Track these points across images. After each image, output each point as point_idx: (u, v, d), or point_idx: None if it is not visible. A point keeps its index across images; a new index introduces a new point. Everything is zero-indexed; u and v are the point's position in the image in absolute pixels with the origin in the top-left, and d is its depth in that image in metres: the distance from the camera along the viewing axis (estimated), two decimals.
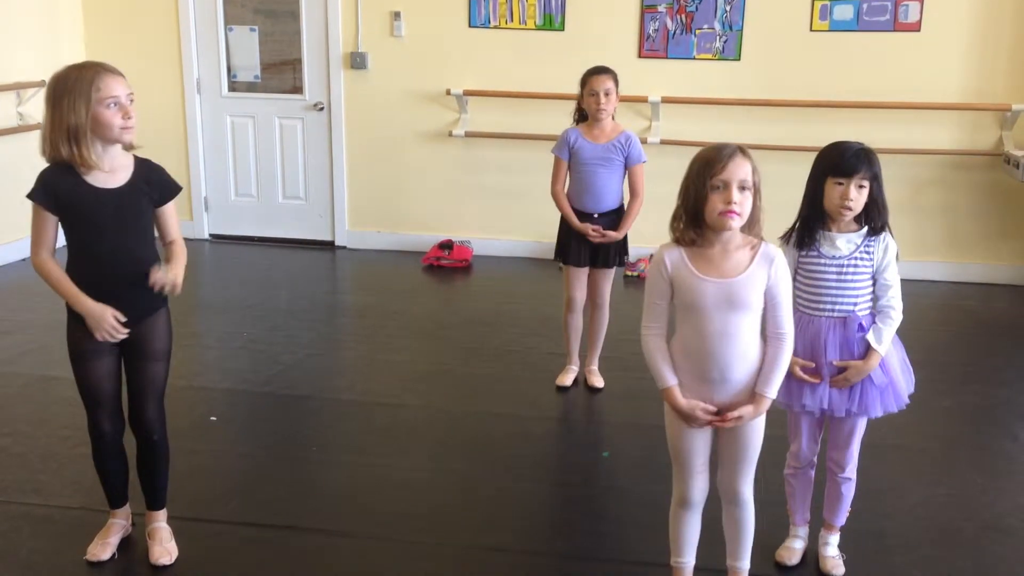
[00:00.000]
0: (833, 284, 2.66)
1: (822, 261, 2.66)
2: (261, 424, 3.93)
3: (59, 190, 2.62)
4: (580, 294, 4.15)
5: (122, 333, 2.67)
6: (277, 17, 6.73)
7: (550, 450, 3.71)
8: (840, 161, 2.61)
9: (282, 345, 4.77)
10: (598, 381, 4.27)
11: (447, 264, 6.07)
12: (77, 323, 2.71)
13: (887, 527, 3.12)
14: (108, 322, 2.65)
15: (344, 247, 6.73)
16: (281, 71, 6.82)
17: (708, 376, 2.40)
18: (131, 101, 2.62)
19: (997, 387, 4.33)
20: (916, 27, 5.93)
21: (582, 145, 4.02)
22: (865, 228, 2.67)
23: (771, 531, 2.95)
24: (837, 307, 2.66)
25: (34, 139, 6.91)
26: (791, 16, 6.04)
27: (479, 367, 4.51)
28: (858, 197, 2.61)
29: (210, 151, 6.94)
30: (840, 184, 2.60)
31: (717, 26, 6.12)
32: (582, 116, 4.08)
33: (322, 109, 6.73)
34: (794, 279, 2.67)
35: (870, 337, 2.64)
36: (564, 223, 4.12)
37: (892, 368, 2.71)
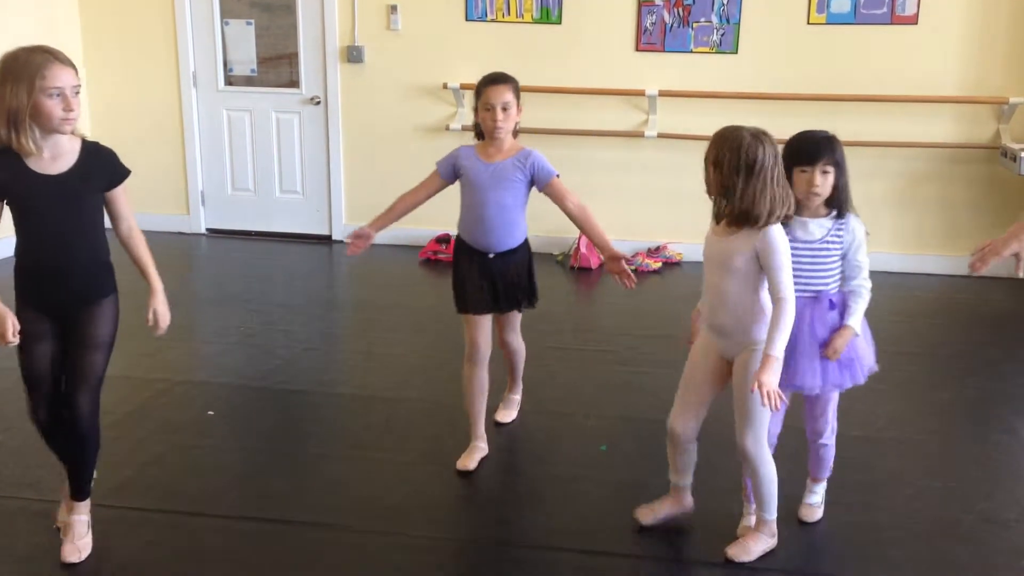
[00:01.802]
0: (807, 266, 2.81)
1: (797, 245, 2.80)
2: (259, 419, 3.92)
3: (1, 174, 2.60)
4: (485, 342, 3.40)
5: (10, 342, 2.62)
6: (273, 11, 6.72)
7: (548, 443, 3.71)
8: (804, 149, 2.80)
9: (279, 339, 4.76)
10: (507, 415, 3.75)
11: (444, 258, 6.06)
12: (21, 304, 2.70)
13: (884, 519, 3.12)
14: (4, 327, 2.61)
15: (341, 241, 6.71)
16: (277, 65, 6.81)
17: (711, 323, 2.80)
18: (76, 93, 2.59)
19: (994, 380, 4.34)
20: (913, 20, 5.92)
21: (473, 166, 3.29)
22: (834, 212, 2.83)
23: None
24: (810, 286, 2.82)
25: None
26: (788, 9, 6.03)
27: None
28: (824, 183, 2.78)
29: (206, 145, 6.92)
30: (805, 172, 2.78)
31: (714, 19, 6.11)
32: (479, 133, 3.37)
33: (319, 103, 6.72)
34: None
35: (849, 319, 2.81)
36: (457, 261, 3.43)
37: (857, 344, 2.86)
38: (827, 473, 3.10)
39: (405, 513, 3.16)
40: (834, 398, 2.97)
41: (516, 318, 3.54)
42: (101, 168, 2.72)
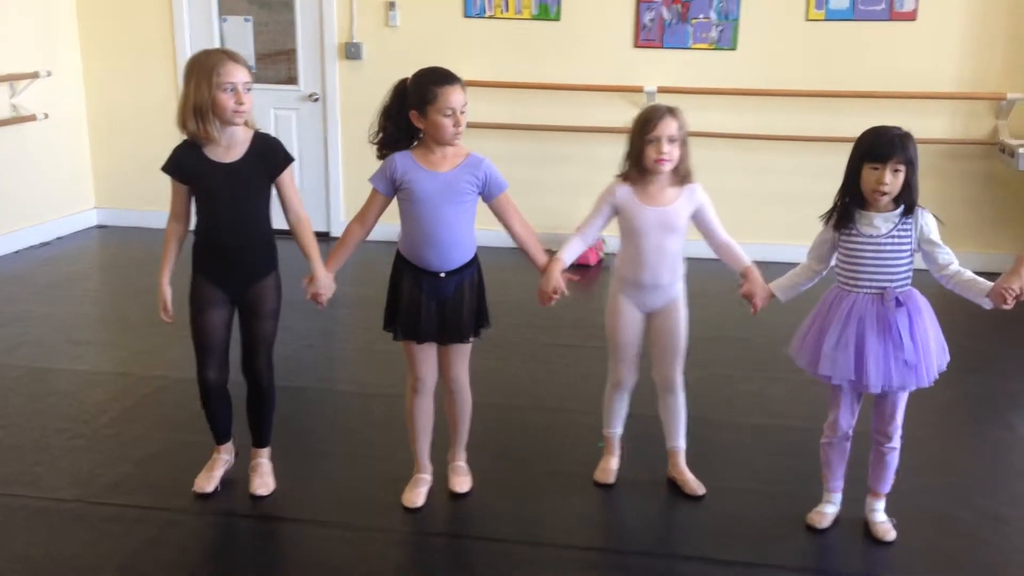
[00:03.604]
0: (870, 262, 2.78)
1: (860, 240, 2.78)
2: None
3: (184, 163, 2.98)
4: (429, 372, 3.13)
5: (167, 319, 3.08)
6: (271, 7, 6.70)
7: (547, 440, 3.71)
8: (876, 147, 2.74)
9: (279, 336, 4.74)
10: (462, 483, 3.26)
11: None
12: (198, 275, 3.05)
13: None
14: (161, 305, 3.08)
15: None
16: (276, 62, 6.80)
17: (643, 282, 3.08)
18: (248, 89, 2.92)
19: (995, 377, 4.34)
20: (912, 16, 5.92)
21: (417, 177, 2.90)
22: (901, 207, 2.77)
23: (775, 520, 2.96)
24: (875, 282, 2.78)
25: (28, 130, 6.90)
26: (787, 5, 6.02)
27: (477, 358, 4.49)
28: (893, 181, 2.72)
29: None
30: (876, 169, 2.72)
31: (713, 15, 6.10)
32: (405, 133, 2.94)
33: (317, 100, 6.71)
34: (836, 258, 2.89)
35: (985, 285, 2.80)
36: (395, 281, 3.06)
37: (928, 348, 2.82)
38: (888, 487, 3.02)
39: (401, 510, 3.15)
40: (903, 400, 2.91)
41: (465, 352, 3.14)
42: (267, 157, 3.02)
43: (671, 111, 3.01)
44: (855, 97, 5.96)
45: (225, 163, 2.96)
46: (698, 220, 3.08)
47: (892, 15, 5.93)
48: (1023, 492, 3.33)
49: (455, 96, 2.84)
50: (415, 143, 2.96)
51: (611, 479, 3.32)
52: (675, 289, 3.14)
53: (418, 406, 3.17)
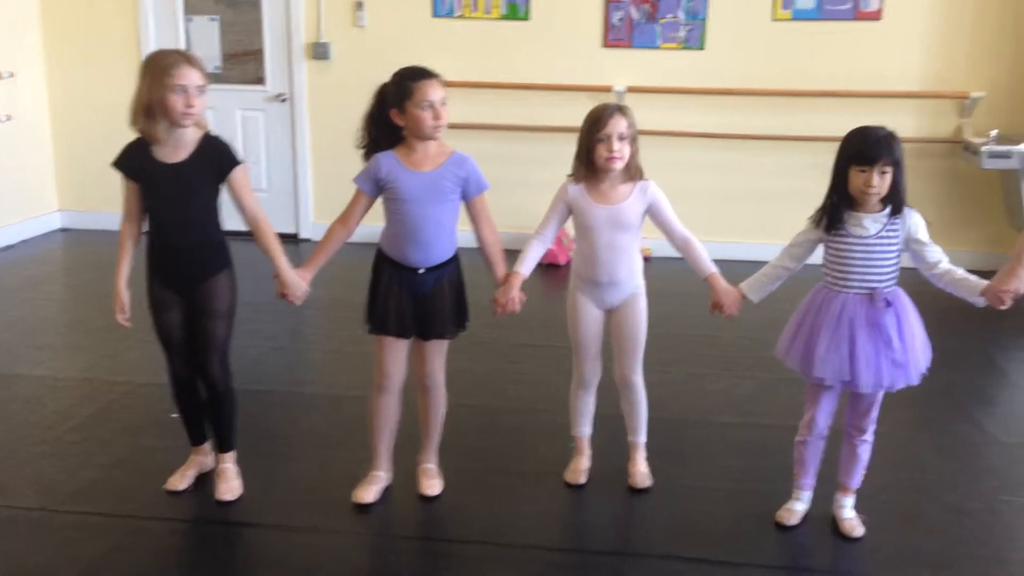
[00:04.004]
0: (860, 262, 2.79)
1: (849, 240, 2.79)
2: None
3: (132, 160, 2.97)
4: (397, 371, 3.12)
5: (124, 322, 3.06)
6: (238, 6, 6.65)
7: (518, 440, 3.70)
8: (862, 149, 2.74)
9: (247, 339, 4.71)
10: (432, 486, 3.23)
11: None
12: (151, 277, 3.05)
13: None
14: (118, 307, 3.06)
15: (309, 240, 6.67)
16: (243, 62, 6.74)
17: (599, 280, 3.10)
18: (200, 92, 2.89)
19: (958, 371, 4.38)
20: (877, 15, 5.98)
21: (400, 176, 2.93)
22: (888, 208, 2.78)
23: (744, 518, 2.97)
24: (865, 283, 2.79)
25: None
26: (754, 5, 6.06)
27: (447, 359, 4.48)
28: (881, 183, 2.73)
29: None
30: (863, 171, 2.72)
31: (681, 15, 6.12)
32: (387, 135, 2.98)
33: (285, 100, 6.66)
34: (824, 258, 2.88)
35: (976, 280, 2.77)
36: (377, 276, 3.06)
37: (915, 347, 2.84)
38: (858, 482, 3.04)
39: (373, 514, 3.14)
40: (879, 397, 2.93)
41: (442, 350, 3.16)
42: (213, 159, 2.99)
43: (620, 109, 3.00)
44: (822, 96, 6.01)
45: (170, 163, 2.94)
46: (654, 217, 3.08)
47: (857, 15, 5.98)
48: (988, 487, 3.36)
49: (432, 90, 2.88)
50: (399, 144, 2.98)
51: (582, 479, 3.31)
52: (633, 285, 3.15)
53: (382, 403, 3.16)
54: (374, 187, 2.98)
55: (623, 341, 3.19)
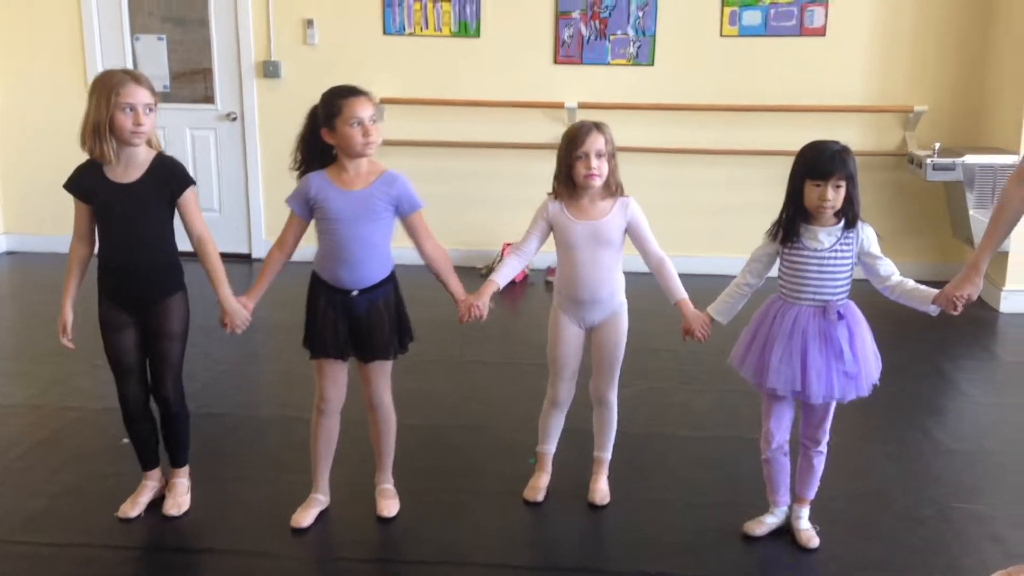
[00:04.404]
0: (814, 274, 2.83)
1: (804, 253, 2.84)
2: None
3: (83, 182, 2.96)
4: (336, 394, 3.12)
5: (66, 344, 3.04)
6: (186, 25, 6.58)
7: (476, 458, 3.69)
8: (817, 164, 2.78)
9: (198, 362, 4.63)
10: (389, 507, 3.20)
11: None
12: (102, 298, 3.03)
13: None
14: (61, 328, 3.04)
15: (261, 259, 6.60)
16: (192, 80, 6.67)
17: (580, 298, 3.10)
18: (148, 111, 2.89)
19: (907, 381, 4.45)
20: (821, 32, 6.09)
21: (330, 196, 2.89)
22: (843, 221, 2.82)
23: (703, 533, 2.98)
24: (819, 296, 2.84)
25: None
26: (702, 22, 6.14)
27: (400, 378, 4.45)
28: (835, 196, 2.78)
29: None
30: (818, 186, 2.77)
31: (630, 32, 6.19)
32: (319, 155, 2.95)
33: (235, 119, 6.61)
34: (779, 270, 2.92)
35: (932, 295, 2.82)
36: (313, 300, 3.05)
37: (867, 358, 2.88)
38: (813, 493, 3.07)
39: (326, 536, 3.11)
40: (832, 408, 2.96)
41: (385, 371, 3.11)
42: (164, 179, 2.98)
43: (598, 126, 3.03)
44: (770, 111, 6.10)
45: (122, 183, 2.93)
46: (631, 234, 3.09)
47: (803, 31, 6.09)
48: (939, 495, 3.41)
49: (360, 107, 2.85)
50: (331, 164, 2.96)
51: (539, 497, 3.31)
52: (615, 303, 3.14)
53: (321, 426, 3.15)
54: (305, 207, 2.95)
55: (601, 359, 3.19)
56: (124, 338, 3.04)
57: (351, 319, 3.00)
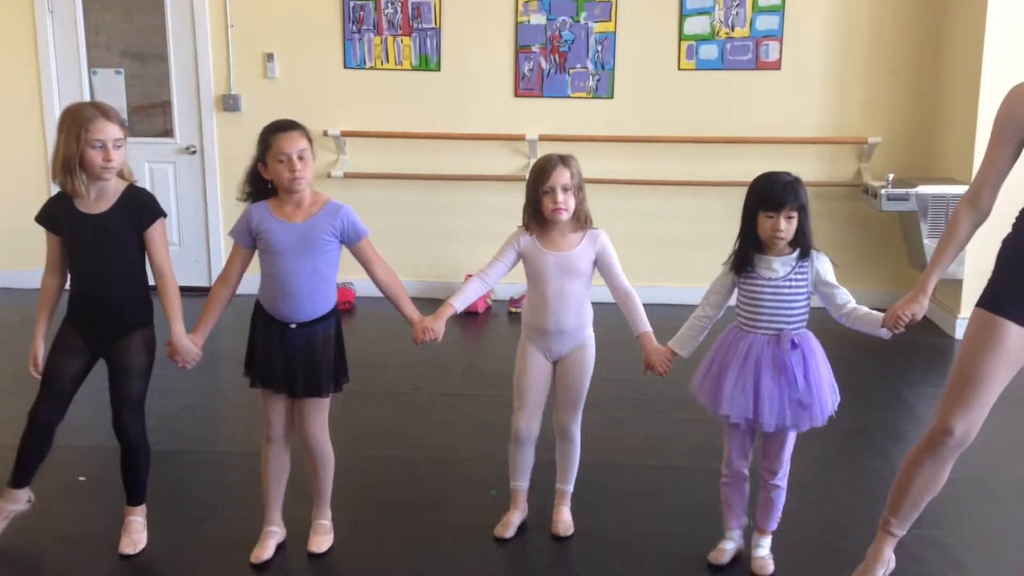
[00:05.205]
0: (769, 303, 2.87)
1: (759, 282, 2.87)
2: None
3: (54, 214, 2.98)
4: (281, 423, 3.07)
5: (36, 376, 3.03)
6: (144, 59, 6.56)
7: (440, 490, 3.66)
8: (768, 195, 2.83)
9: (156, 397, 4.52)
10: (320, 543, 3.15)
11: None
12: (66, 323, 3.04)
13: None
14: (31, 360, 3.04)
15: None
16: (150, 114, 6.64)
17: (547, 328, 3.10)
18: (117, 146, 2.91)
19: (868, 408, 4.50)
20: (776, 66, 6.20)
21: (272, 227, 2.90)
22: (797, 251, 2.87)
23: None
24: (773, 325, 2.87)
25: None
26: (660, 56, 6.23)
27: (366, 410, 4.43)
28: (788, 227, 2.82)
29: None
30: (770, 217, 2.81)
31: (590, 65, 6.26)
32: (264, 188, 2.97)
33: (194, 152, 6.57)
34: (737, 299, 2.95)
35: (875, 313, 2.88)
36: (254, 330, 3.03)
37: (822, 388, 2.90)
38: (774, 525, 3.09)
39: (288, 571, 3.06)
40: (791, 439, 2.98)
41: (320, 408, 3.05)
42: (134, 210, 2.98)
43: (564, 160, 3.03)
44: (728, 143, 6.18)
45: (92, 214, 2.94)
46: (600, 265, 3.11)
47: (758, 64, 6.20)
48: None
49: (287, 142, 2.86)
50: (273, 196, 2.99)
51: (509, 533, 3.27)
52: (582, 336, 3.15)
53: (270, 456, 3.10)
54: (248, 238, 2.97)
55: (566, 391, 3.19)
56: (70, 363, 3.03)
57: (287, 352, 2.96)
